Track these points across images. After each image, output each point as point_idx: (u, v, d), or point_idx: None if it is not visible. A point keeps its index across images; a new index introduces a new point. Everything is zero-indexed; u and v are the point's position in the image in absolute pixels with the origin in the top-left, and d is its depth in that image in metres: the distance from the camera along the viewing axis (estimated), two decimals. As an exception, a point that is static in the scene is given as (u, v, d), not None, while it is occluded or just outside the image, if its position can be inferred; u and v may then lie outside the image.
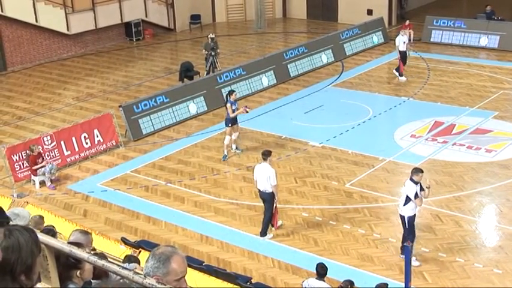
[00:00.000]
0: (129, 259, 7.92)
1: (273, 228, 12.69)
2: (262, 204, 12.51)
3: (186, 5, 29.80)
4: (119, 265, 3.25)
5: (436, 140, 16.64)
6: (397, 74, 21.50)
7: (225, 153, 16.14)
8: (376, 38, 25.86)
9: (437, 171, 14.90)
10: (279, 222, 12.78)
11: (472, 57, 23.72)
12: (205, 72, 21.69)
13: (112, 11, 27.19)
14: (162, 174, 15.60)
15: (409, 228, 11.23)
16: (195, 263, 10.26)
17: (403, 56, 21.31)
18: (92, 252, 5.46)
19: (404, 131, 17.24)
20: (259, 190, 12.45)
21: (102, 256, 5.24)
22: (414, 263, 11.04)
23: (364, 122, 18.00)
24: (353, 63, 23.78)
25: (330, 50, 23.94)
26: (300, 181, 14.84)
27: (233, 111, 15.92)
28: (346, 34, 24.89)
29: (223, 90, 20.10)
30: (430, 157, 15.64)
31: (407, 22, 25.77)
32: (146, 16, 28.63)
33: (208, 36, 22.05)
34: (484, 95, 19.60)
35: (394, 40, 22.00)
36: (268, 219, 12.49)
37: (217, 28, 30.21)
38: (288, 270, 11.51)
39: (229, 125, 15.98)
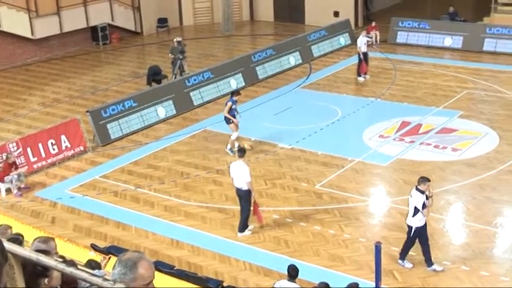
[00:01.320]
0: (90, 264, 7.84)
1: (251, 227, 12.71)
2: (233, 207, 12.49)
3: (153, 8, 29.66)
4: (87, 272, 3.22)
5: (404, 139, 16.82)
6: (362, 78, 21.69)
7: (230, 147, 16.21)
8: (343, 39, 26.04)
9: (405, 171, 15.06)
10: (250, 226, 12.79)
11: (436, 58, 24.04)
12: (173, 76, 21.58)
13: (77, 15, 26.93)
14: (131, 179, 15.49)
15: (413, 238, 11.10)
16: (165, 268, 10.21)
17: (365, 56, 21.52)
18: (61, 259, 5.39)
19: (372, 132, 17.39)
20: (236, 187, 12.52)
21: (71, 263, 5.18)
22: (408, 264, 11.26)
23: (332, 123, 18.11)
24: (321, 64, 23.92)
25: (298, 52, 24.04)
26: (269, 183, 14.86)
27: (231, 110, 16.01)
28: (314, 36, 25.02)
29: (191, 93, 20.07)
30: (398, 157, 15.80)
31: (373, 24, 26.07)
32: (112, 20, 28.42)
33: (175, 40, 21.96)
34: (449, 95, 19.88)
35: (356, 41, 22.23)
36: (245, 217, 12.56)
37: (185, 31, 30.11)
38: (260, 272, 11.52)
39: (230, 122, 16.14)
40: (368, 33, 23.87)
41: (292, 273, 9.55)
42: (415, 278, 11.07)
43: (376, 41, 25.75)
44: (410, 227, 11.11)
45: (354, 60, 22.71)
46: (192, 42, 27.21)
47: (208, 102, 20.32)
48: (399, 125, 17.69)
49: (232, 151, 16.06)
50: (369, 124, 17.96)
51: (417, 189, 10.92)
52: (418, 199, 10.84)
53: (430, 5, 33.70)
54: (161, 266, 10.13)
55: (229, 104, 16.12)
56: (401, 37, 26.08)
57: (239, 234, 12.64)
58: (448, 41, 25.05)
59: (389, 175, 15.05)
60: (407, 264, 11.32)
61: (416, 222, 10.97)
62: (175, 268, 10.66)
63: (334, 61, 24.27)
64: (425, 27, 25.72)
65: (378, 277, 9.87)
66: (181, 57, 21.57)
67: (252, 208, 12.58)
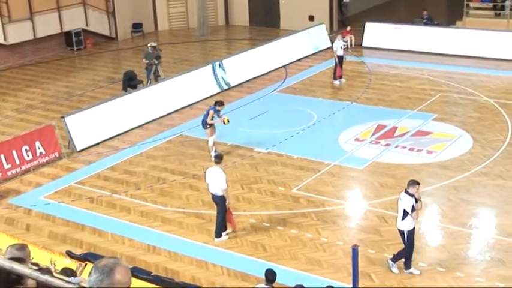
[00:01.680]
0: (65, 272, 7.76)
1: (224, 233, 12.70)
2: (210, 212, 12.47)
3: (128, 13, 29.53)
4: (63, 279, 3.18)
5: (379, 142, 16.93)
6: (338, 82, 21.81)
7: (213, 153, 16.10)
8: (318, 43, 26.15)
9: (381, 174, 15.16)
10: (228, 230, 12.79)
11: (411, 61, 24.24)
12: (148, 81, 21.45)
13: (51, 20, 26.69)
14: (107, 185, 15.38)
15: (409, 242, 11.04)
16: (142, 274, 10.15)
17: (341, 60, 21.65)
18: (36, 267, 5.33)
19: (348, 135, 17.48)
20: (211, 193, 12.49)
21: (46, 271, 5.12)
22: (415, 271, 11.19)
23: (308, 127, 18.17)
24: (296, 68, 24.00)
25: (273, 56, 24.09)
26: (246, 187, 14.86)
27: (212, 118, 16.08)
28: (289, 40, 25.09)
29: (167, 98, 19.99)
30: (374, 160, 15.90)
31: (348, 28, 26.22)
32: (87, 25, 28.23)
33: (149, 45, 21.84)
34: (424, 98, 20.07)
35: (332, 45, 22.35)
36: (221, 221, 12.55)
37: (160, 36, 30.03)
38: (237, 277, 11.50)
39: (208, 126, 16.17)
40: (343, 37, 24.00)
41: (270, 277, 9.55)
42: (392, 280, 11.14)
43: (351, 45, 25.90)
44: (402, 231, 11.04)
45: (329, 64, 22.85)
46: (167, 47, 27.15)
47: (185, 107, 20.27)
48: (375, 128, 17.81)
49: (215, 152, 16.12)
50: (345, 128, 18.05)
51: (406, 192, 10.89)
52: (407, 202, 10.81)
53: (404, 9, 34.01)
54: (138, 272, 10.07)
55: (211, 112, 16.11)
56: (376, 41, 26.26)
57: (216, 239, 12.62)
58: (422, 45, 25.28)
59: (365, 178, 15.13)
60: (415, 271, 11.17)
61: (407, 225, 10.93)
62: (152, 274, 10.59)
63: (310, 65, 24.38)
64: (400, 31, 25.94)
65: (355, 280, 9.92)
66: (156, 62, 21.49)
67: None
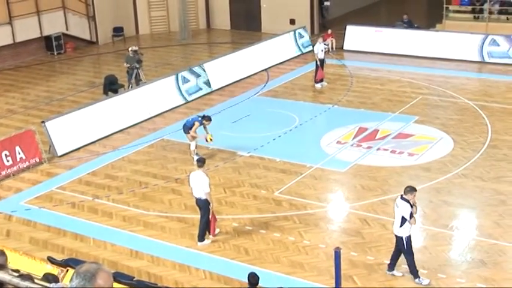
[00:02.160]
0: (46, 278, 7.70)
1: (211, 236, 12.70)
2: (192, 216, 12.43)
3: (108, 17, 29.40)
4: (43, 286, 3.16)
5: (361, 145, 17.00)
6: (319, 85, 21.88)
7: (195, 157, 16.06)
8: (300, 46, 26.23)
9: (362, 176, 15.22)
10: (216, 230, 12.78)
11: (391, 64, 24.40)
12: (129, 85, 21.37)
13: (30, 25, 26.51)
14: (88, 189, 15.29)
15: (408, 248, 10.94)
16: (125, 279, 10.09)
17: (322, 63, 21.73)
18: (16, 273, 5.28)
19: (330, 138, 17.54)
20: (195, 197, 12.47)
21: (27, 277, 5.07)
22: (425, 281, 11.00)
23: (290, 130, 18.21)
24: (278, 72, 24.04)
25: (255, 60, 24.12)
26: (229, 191, 14.85)
27: (196, 131, 16.15)
28: (270, 43, 25.14)
29: (149, 102, 19.93)
30: (356, 162, 15.96)
31: (329, 31, 26.34)
32: (67, 29, 28.07)
33: (130, 49, 21.75)
34: (405, 101, 20.19)
35: (313, 48, 22.44)
36: (204, 225, 12.52)
37: (141, 40, 29.96)
38: (220, 281, 11.48)
39: (188, 131, 16.22)
40: (324, 40, 24.10)
41: (253, 281, 9.54)
42: (374, 282, 11.18)
43: (332, 48, 26.02)
44: (400, 238, 10.93)
45: (311, 67, 22.92)
46: (148, 51, 27.08)
47: (167, 111, 20.23)
48: (356, 131, 17.88)
49: (196, 154, 16.14)
50: (327, 131, 18.11)
51: (402, 198, 10.75)
52: (405, 209, 10.66)
53: (384, 12, 34.24)
54: (120, 277, 10.01)
55: (197, 124, 16.12)
56: (357, 44, 26.39)
57: (199, 243, 12.59)
58: (402, 48, 25.45)
59: (347, 181, 15.19)
60: (425, 281, 11.00)
61: (405, 232, 10.82)
62: (134, 279, 10.54)
63: (291, 68, 24.44)
64: (380, 35, 26.09)
65: (338, 282, 9.94)
66: (137, 66, 21.42)
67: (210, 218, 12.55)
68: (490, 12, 26.58)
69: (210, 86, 21.98)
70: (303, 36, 26.51)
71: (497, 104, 19.59)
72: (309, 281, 11.27)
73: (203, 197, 12.32)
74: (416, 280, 11.02)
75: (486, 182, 14.63)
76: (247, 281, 9.66)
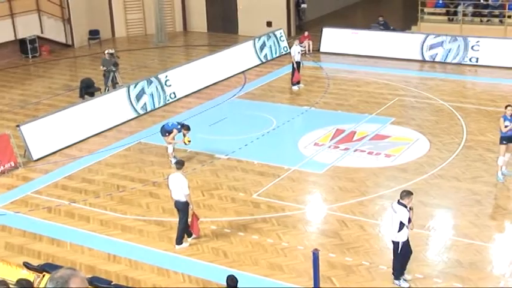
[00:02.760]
0: (20, 283, 7.62)
1: (189, 239, 12.65)
2: (170, 219, 12.38)
3: (84, 20, 29.19)
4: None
5: (339, 147, 17.07)
6: (296, 87, 21.94)
7: (172, 160, 16.02)
8: (277, 49, 26.28)
9: (340, 178, 15.28)
10: (193, 236, 12.73)
11: (368, 66, 24.56)
12: (106, 88, 21.24)
13: (4, 28, 26.22)
14: (65, 194, 15.15)
15: (402, 252, 10.82)
16: (103, 283, 10.02)
17: (299, 65, 21.80)
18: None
19: (307, 140, 17.59)
20: (174, 200, 12.43)
21: (2, 283, 5.02)
22: (405, 284, 10.98)
23: (268, 133, 18.23)
24: (255, 74, 24.07)
25: (232, 62, 24.12)
26: (207, 194, 14.81)
27: (174, 138, 16.16)
28: (247, 46, 25.16)
29: (128, 105, 19.83)
30: (333, 164, 16.02)
31: (306, 33, 26.43)
32: (42, 32, 27.81)
33: (106, 52, 21.61)
34: (382, 102, 20.32)
35: (290, 50, 22.50)
36: (183, 228, 12.48)
37: (117, 43, 29.79)
38: (199, 284, 11.45)
39: (166, 134, 16.22)
40: (301, 42, 24.17)
41: (231, 283, 9.53)
42: (352, 283, 11.22)
43: (309, 50, 26.12)
44: (396, 243, 10.74)
45: (288, 69, 22.97)
46: (125, 54, 26.94)
47: (144, 114, 20.14)
48: (333, 133, 17.96)
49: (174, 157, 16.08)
50: (304, 133, 18.16)
51: (400, 203, 10.57)
52: (403, 214, 10.48)
53: (360, 14, 34.46)
54: (98, 282, 9.94)
55: (175, 131, 16.13)
56: (334, 46, 26.51)
57: (177, 246, 12.54)
58: (378, 50, 25.62)
59: (325, 182, 15.24)
60: (404, 284, 11.00)
61: (403, 237, 10.69)
62: (112, 283, 10.47)
63: (268, 71, 24.48)
64: (357, 37, 26.25)
65: (316, 284, 9.96)
66: (114, 69, 21.29)
67: (190, 220, 12.51)
68: (464, 15, 26.87)
69: (184, 90, 21.92)
70: (280, 39, 26.56)
71: (472, 105, 19.81)
72: (288, 282, 11.28)
73: (182, 199, 12.28)
74: (396, 281, 11.03)
75: (462, 182, 14.78)
76: (225, 283, 9.64)
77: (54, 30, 28.44)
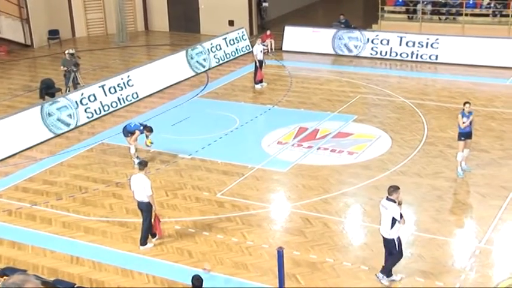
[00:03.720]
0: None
1: (154, 240, 12.60)
2: (134, 220, 12.29)
3: (43, 20, 28.76)
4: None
5: (302, 145, 17.16)
6: (259, 86, 21.98)
7: (135, 160, 15.93)
8: (239, 48, 26.30)
9: (304, 176, 15.36)
10: (157, 237, 12.66)
11: (330, 64, 24.74)
12: (67, 89, 20.95)
13: (-39, 28, 25.70)
14: (26, 196, 14.92)
15: (399, 250, 10.80)
16: (66, 286, 9.90)
17: (261, 64, 21.85)
18: None
19: (271, 138, 17.64)
20: (137, 201, 12.33)
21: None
22: (396, 277, 11.02)
23: (231, 132, 18.22)
24: (217, 73, 24.04)
25: (195, 61, 24.04)
26: (171, 194, 14.75)
27: (136, 140, 16.07)
28: (210, 45, 25.12)
29: (88, 105, 19.60)
30: (297, 162, 16.10)
31: (268, 32, 26.50)
32: (0, 32, 27.29)
33: (66, 52, 21.32)
34: (344, 100, 20.49)
35: (252, 49, 22.55)
36: (147, 228, 12.40)
37: (78, 43, 29.43)
38: (164, 284, 11.39)
39: (129, 135, 16.12)
40: (263, 41, 24.23)
41: (197, 283, 9.51)
42: (317, 280, 11.30)
43: (271, 49, 26.19)
44: (391, 240, 10.64)
45: (250, 68, 22.99)
46: (86, 54, 26.64)
47: (105, 115, 19.96)
48: (297, 131, 18.04)
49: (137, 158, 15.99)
50: (267, 131, 18.20)
51: (389, 199, 10.49)
52: (394, 210, 10.40)
53: (321, 13, 34.68)
54: (60, 285, 9.82)
55: (138, 132, 16.03)
56: (296, 45, 26.64)
57: (141, 247, 12.46)
58: (340, 48, 25.83)
59: (289, 181, 15.30)
60: (385, 281, 10.99)
61: (396, 233, 10.64)
62: (76, 286, 10.37)
63: (231, 70, 24.47)
64: (319, 35, 26.40)
65: (282, 281, 10.00)
66: (75, 69, 21.02)
67: (153, 221, 12.44)
68: (423, 13, 27.27)
69: (146, 90, 21.79)
70: (242, 38, 26.59)
71: (433, 102, 20.12)
72: (253, 281, 11.30)
73: (145, 200, 12.20)
74: (379, 275, 11.00)
75: (423, 178, 14.99)
76: (191, 283, 9.62)
77: (12, 30, 27.97)
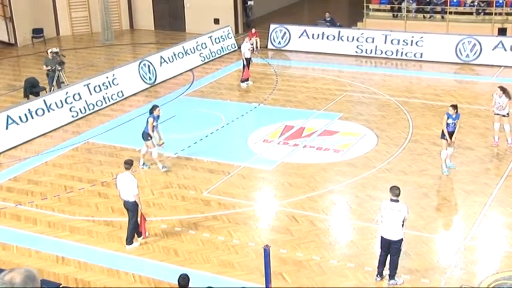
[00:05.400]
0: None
1: (140, 239, 12.56)
2: (120, 219, 12.24)
3: (27, 18, 28.54)
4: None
5: (288, 143, 17.17)
6: (245, 84, 21.97)
7: (160, 165, 15.64)
8: (225, 46, 26.27)
9: (290, 174, 15.38)
10: (140, 238, 12.62)
11: (315, 62, 24.78)
12: (51, 88, 20.78)
13: None
14: (10, 196, 14.82)
15: (401, 250, 10.81)
16: (51, 286, 9.85)
17: (249, 62, 21.84)
18: None
19: (257, 137, 17.64)
20: (123, 200, 12.29)
21: None
22: (399, 280, 11.00)
23: (217, 130, 18.20)
24: (203, 72, 24.00)
25: (180, 60, 23.98)
26: (157, 193, 14.71)
27: (154, 127, 15.26)
28: (195, 43, 25.07)
29: (73, 104, 19.49)
30: (283, 160, 16.11)
31: (253, 30, 26.48)
32: (-17, 31, 27.13)
33: (49, 51, 21.12)
34: (329, 98, 20.54)
35: (240, 48, 22.51)
36: (133, 228, 12.36)
37: (62, 42, 29.26)
38: (150, 283, 11.36)
39: (149, 138, 15.43)
40: (249, 39, 24.16)
41: (183, 282, 9.48)
42: (304, 278, 11.32)
43: (257, 47, 26.17)
44: (400, 241, 10.65)
45: (236, 66, 23.01)
46: (70, 53, 26.49)
47: (91, 113, 19.86)
48: (283, 129, 18.06)
49: (163, 167, 15.64)
50: (253, 129, 18.20)
51: (394, 200, 10.57)
52: (405, 209, 10.50)
53: (307, 11, 34.71)
54: (46, 285, 9.76)
55: (151, 120, 15.25)
56: (281, 43, 26.65)
57: (127, 246, 12.41)
58: (326, 46, 25.87)
59: (275, 179, 15.31)
60: (400, 280, 11.02)
61: (403, 233, 10.71)
62: (61, 286, 10.32)
63: (217, 68, 24.44)
64: (304, 33, 26.43)
65: (268, 280, 10.00)
66: (59, 68, 20.88)
67: (139, 220, 12.41)
68: (408, 11, 27.39)
69: (132, 89, 21.72)
70: (228, 36, 26.57)
71: (418, 99, 20.21)
72: (239, 279, 11.29)
73: (131, 199, 12.15)
74: (392, 281, 10.98)
75: (409, 175, 15.06)
76: (177, 282, 9.59)
77: (-5, 29, 27.76)
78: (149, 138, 15.43)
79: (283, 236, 12.67)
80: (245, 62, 21.75)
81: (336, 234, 12.96)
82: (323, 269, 11.55)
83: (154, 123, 15.36)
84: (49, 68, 20.85)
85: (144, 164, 15.87)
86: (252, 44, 25.36)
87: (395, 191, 10.66)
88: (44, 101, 19.08)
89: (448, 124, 14.72)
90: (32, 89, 20.98)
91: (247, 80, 22.05)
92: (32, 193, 14.95)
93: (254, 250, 12.16)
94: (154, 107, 15.54)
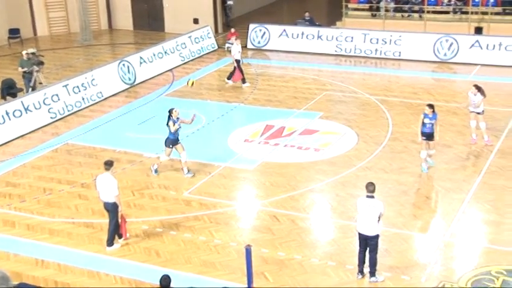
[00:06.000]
0: None
1: (120, 240, 12.51)
2: (100, 221, 12.16)
3: (3, 18, 28.25)
4: None
5: (268, 143, 17.19)
6: (230, 82, 21.96)
7: (156, 167, 15.46)
8: (204, 46, 26.23)
9: (271, 173, 15.39)
10: (120, 240, 12.55)
11: (295, 62, 24.82)
12: (28, 89, 20.55)
13: None
14: (-12, 199, 14.67)
15: (378, 246, 10.93)
16: (31, 290, 9.76)
17: (239, 63, 21.84)
18: None
19: (237, 136, 17.63)
20: (103, 201, 12.22)
21: None
22: (380, 277, 11.06)
23: (198, 130, 18.16)
24: (183, 72, 23.93)
25: (160, 60, 23.90)
26: (137, 193, 14.64)
27: (177, 129, 15.03)
28: (175, 43, 25.00)
29: (51, 106, 19.33)
30: (264, 160, 16.12)
31: (232, 30, 26.45)
32: (-42, 31, 26.81)
33: (24, 53, 20.87)
34: (309, 97, 20.59)
35: (230, 50, 22.54)
36: (113, 229, 12.30)
37: (40, 42, 29.01)
38: (131, 284, 11.31)
39: (170, 146, 15.15)
40: (228, 39, 24.16)
41: (164, 283, 9.44)
42: (286, 277, 11.34)
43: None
44: (376, 237, 10.79)
45: (216, 66, 22.99)
46: (48, 53, 26.25)
47: (69, 115, 19.72)
48: (263, 129, 18.07)
49: (188, 172, 15.38)
50: (234, 129, 18.19)
51: (370, 196, 10.73)
52: (381, 205, 10.69)
53: (286, 11, 34.77)
54: (26, 288, 9.67)
55: (171, 123, 15.04)
56: (261, 42, 26.67)
57: (108, 248, 12.34)
58: (305, 45, 25.94)
59: (256, 178, 15.31)
60: (381, 278, 11.10)
61: (379, 229, 10.83)
62: (41, 289, 10.22)
63: (196, 68, 24.39)
64: (284, 32, 26.47)
65: (250, 279, 10.00)
66: (37, 69, 20.69)
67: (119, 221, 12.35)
68: (387, 10, 27.55)
69: (111, 89, 21.59)
70: (207, 36, 26.53)
71: (397, 98, 20.33)
72: (221, 279, 11.28)
73: (111, 200, 12.09)
74: (373, 278, 11.04)
75: (388, 173, 15.15)
76: (159, 283, 9.56)
77: (-30, 30, 27.45)
78: (171, 146, 15.17)
79: (265, 236, 12.68)
80: (235, 64, 21.75)
81: (317, 232, 13.00)
82: (305, 268, 11.58)
83: (177, 126, 15.08)
84: (25, 69, 20.62)
85: (188, 171, 15.44)
86: (232, 44, 25.35)
87: (369, 187, 10.83)
88: (22, 102, 18.90)
89: (424, 124, 14.81)
90: (9, 90, 20.74)
91: (230, 78, 22.02)
92: (10, 195, 14.80)
93: (236, 250, 12.15)
94: (171, 111, 15.17)
